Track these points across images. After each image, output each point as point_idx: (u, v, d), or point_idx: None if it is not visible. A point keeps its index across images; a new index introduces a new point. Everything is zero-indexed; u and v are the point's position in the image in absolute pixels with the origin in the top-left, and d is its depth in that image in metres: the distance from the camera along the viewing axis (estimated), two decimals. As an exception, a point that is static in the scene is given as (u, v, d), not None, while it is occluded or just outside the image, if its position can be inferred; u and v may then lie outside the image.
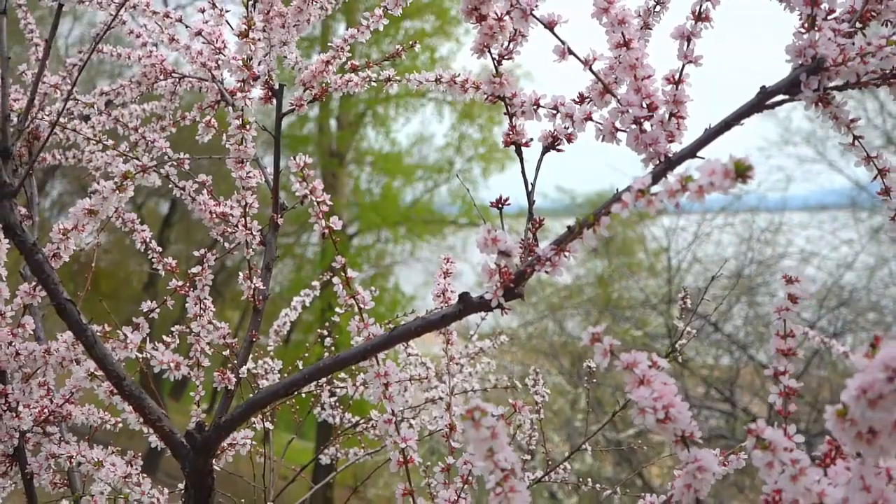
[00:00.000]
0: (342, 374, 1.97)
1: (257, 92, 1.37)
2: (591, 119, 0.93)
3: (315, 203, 0.97)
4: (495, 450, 0.65)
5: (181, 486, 1.55)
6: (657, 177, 0.81)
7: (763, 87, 0.80)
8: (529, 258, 0.84)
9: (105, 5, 1.32)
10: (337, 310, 1.93)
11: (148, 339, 1.19)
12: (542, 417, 1.83)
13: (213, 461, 1.03)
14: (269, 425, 1.63)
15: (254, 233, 1.27)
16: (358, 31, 1.35)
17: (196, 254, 1.24)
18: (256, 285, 1.26)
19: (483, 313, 1.92)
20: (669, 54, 0.88)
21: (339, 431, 1.91)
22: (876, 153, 0.83)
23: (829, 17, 0.80)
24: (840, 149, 0.87)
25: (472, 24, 0.93)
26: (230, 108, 1.35)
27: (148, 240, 1.39)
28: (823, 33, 0.78)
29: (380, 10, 1.33)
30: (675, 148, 0.85)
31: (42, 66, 1.10)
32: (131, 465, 1.16)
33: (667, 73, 0.87)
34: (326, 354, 1.97)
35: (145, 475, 1.21)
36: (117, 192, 1.08)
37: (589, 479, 1.96)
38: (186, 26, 1.37)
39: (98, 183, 1.08)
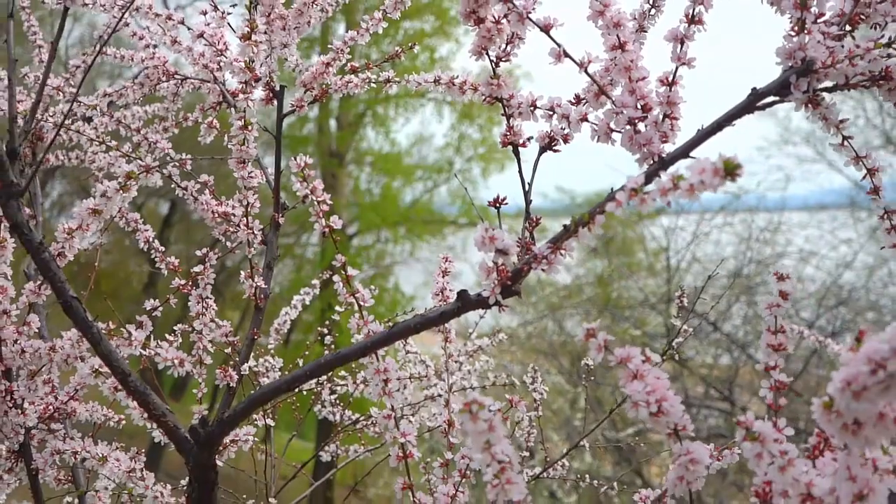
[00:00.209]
0: (342, 372, 1.99)
1: (259, 93, 1.39)
2: (586, 120, 0.94)
3: (315, 203, 0.99)
4: (492, 442, 0.67)
5: (183, 482, 1.57)
6: (650, 176, 0.83)
7: (754, 89, 0.81)
8: (526, 256, 0.86)
9: (108, 8, 1.34)
10: (337, 308, 1.95)
11: (151, 337, 1.20)
12: (541, 415, 1.84)
13: (216, 457, 1.04)
14: (270, 422, 1.65)
15: (255, 232, 1.29)
16: (358, 33, 1.37)
17: (198, 253, 1.26)
18: (258, 284, 1.28)
19: (482, 312, 1.94)
20: (664, 56, 0.90)
21: (339, 428, 1.93)
22: (865, 153, 0.85)
23: (818, 21, 0.82)
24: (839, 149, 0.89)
25: (471, 27, 0.95)
26: (232, 109, 1.37)
27: (151, 239, 1.41)
28: (813, 36, 0.80)
29: (379, 14, 1.35)
30: (669, 148, 0.87)
31: (48, 69, 1.12)
32: (135, 461, 1.17)
33: (661, 74, 0.88)
34: (326, 353, 1.98)
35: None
36: (121, 192, 1.10)
37: (587, 476, 1.98)
38: (189, 28, 1.39)
39: (101, 183, 1.10)
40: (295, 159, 1.02)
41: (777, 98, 0.81)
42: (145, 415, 1.24)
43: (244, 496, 1.82)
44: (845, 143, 0.85)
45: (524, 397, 1.96)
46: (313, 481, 1.96)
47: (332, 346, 2.08)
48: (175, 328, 1.31)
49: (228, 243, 1.35)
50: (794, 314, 7.41)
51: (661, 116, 0.87)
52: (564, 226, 0.82)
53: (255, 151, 1.22)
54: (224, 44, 1.35)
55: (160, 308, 1.27)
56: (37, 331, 1.22)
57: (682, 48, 0.87)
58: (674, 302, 1.96)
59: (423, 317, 0.91)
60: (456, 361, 1.79)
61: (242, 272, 1.30)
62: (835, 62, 0.78)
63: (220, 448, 1.32)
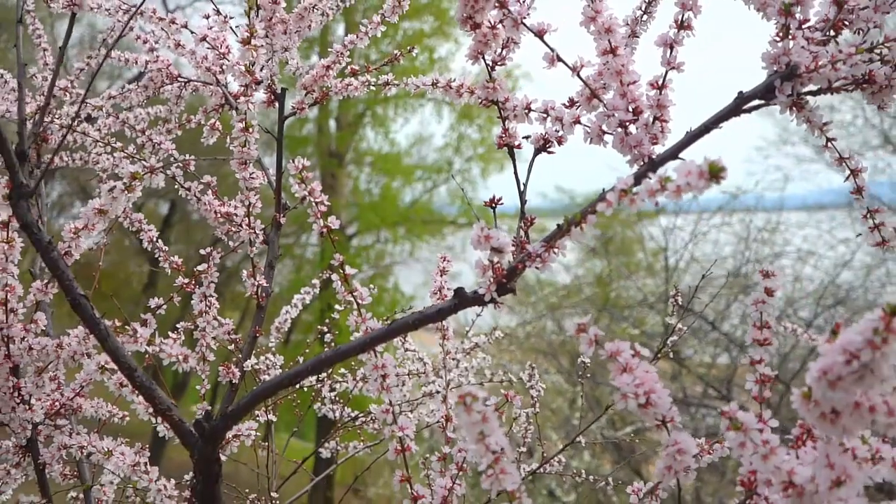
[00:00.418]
0: (342, 370, 2.02)
1: (260, 96, 1.42)
2: (579, 122, 0.97)
3: (314, 203, 1.02)
4: (486, 433, 0.70)
5: (187, 477, 1.59)
6: (640, 177, 0.85)
7: (740, 93, 0.84)
8: (521, 255, 0.89)
9: (113, 12, 1.37)
10: (336, 307, 1.98)
11: (156, 334, 1.23)
12: (537, 412, 1.87)
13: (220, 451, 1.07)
14: (272, 417, 1.68)
15: (257, 232, 1.32)
16: (357, 37, 1.40)
17: (202, 252, 1.29)
18: (260, 282, 1.31)
19: (479, 310, 1.96)
20: (655, 60, 0.93)
21: (338, 425, 1.96)
22: (848, 154, 0.87)
23: (803, 26, 0.84)
24: (839, 148, 0.91)
25: (467, 32, 0.97)
26: (234, 111, 1.40)
27: (154, 239, 1.44)
28: (797, 42, 0.82)
29: (378, 18, 1.38)
30: (660, 150, 0.90)
31: (56, 74, 1.15)
32: (140, 455, 1.20)
33: (651, 78, 0.91)
34: (326, 350, 2.01)
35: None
36: (126, 192, 1.13)
37: (583, 472, 2.01)
38: (192, 32, 1.42)
39: (106, 183, 1.13)
40: (294, 161, 1.04)
41: (762, 101, 0.84)
42: (150, 409, 1.26)
43: (246, 490, 1.85)
44: (829, 144, 0.87)
45: (522, 395, 1.98)
46: (314, 477, 1.99)
47: (332, 345, 2.10)
48: (178, 326, 1.34)
49: (231, 242, 1.37)
50: (792, 314, 7.44)
51: (651, 119, 0.90)
52: (558, 225, 0.84)
53: (257, 153, 1.25)
54: (226, 47, 1.38)
55: (164, 306, 1.30)
56: (43, 329, 1.25)
57: (671, 53, 0.90)
58: (669, 301, 1.99)
59: (420, 313, 0.93)
60: (453, 359, 1.82)
61: (245, 271, 1.32)
62: (818, 66, 0.81)
63: (224, 442, 1.35)
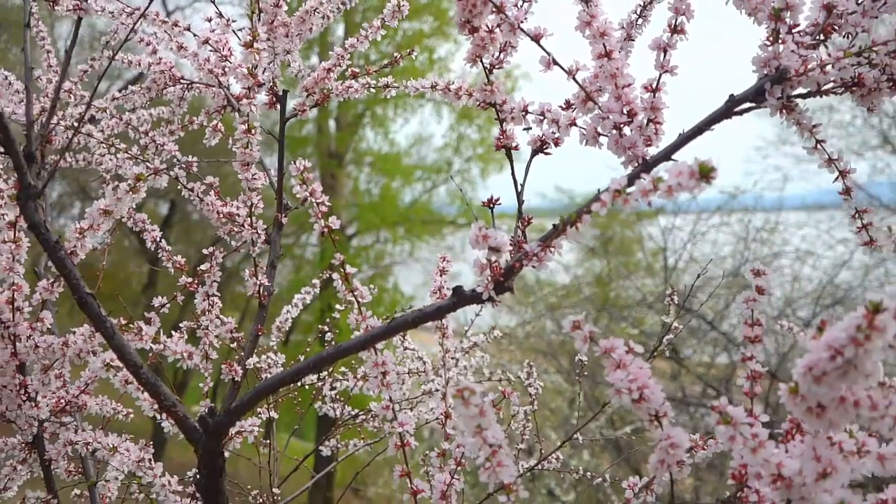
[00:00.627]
0: (343, 368, 2.04)
1: (262, 97, 1.44)
2: (575, 124, 0.99)
3: (314, 204, 1.04)
4: (483, 427, 0.72)
5: (189, 474, 1.62)
6: (633, 178, 0.87)
7: (731, 96, 0.86)
8: (518, 254, 0.91)
9: (116, 15, 1.38)
10: (337, 307, 2.00)
11: (160, 332, 1.25)
12: (535, 409, 1.89)
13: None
14: (273, 414, 1.70)
15: (259, 232, 1.34)
16: (357, 40, 1.42)
17: (205, 251, 1.31)
18: (262, 282, 1.33)
19: (478, 310, 1.98)
20: (650, 63, 0.95)
21: (339, 423, 1.98)
22: (837, 155, 0.89)
23: (793, 31, 0.87)
24: (838, 148, 0.93)
25: (465, 36, 0.99)
26: (236, 113, 1.42)
27: (158, 239, 1.46)
28: (787, 46, 0.84)
29: (378, 21, 1.40)
30: (654, 151, 0.92)
31: (62, 77, 1.17)
32: (144, 451, 1.22)
33: (645, 81, 0.93)
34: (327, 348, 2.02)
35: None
36: (131, 193, 1.15)
37: (580, 468, 2.03)
38: (194, 34, 1.44)
39: (109, 185, 1.15)
40: (295, 162, 1.06)
41: (753, 104, 0.86)
42: (156, 406, 1.28)
43: (248, 486, 1.87)
44: (819, 146, 0.89)
45: (520, 394, 2.01)
46: (315, 473, 2.01)
47: (332, 344, 2.13)
48: (180, 325, 1.36)
49: (233, 242, 1.39)
50: (790, 313, 7.46)
51: (645, 121, 0.92)
52: (554, 225, 0.86)
53: (259, 154, 1.27)
54: (228, 49, 1.40)
55: (167, 305, 1.32)
56: (49, 327, 1.27)
57: (665, 56, 0.92)
58: (666, 300, 2.01)
59: (420, 311, 0.95)
60: (452, 358, 1.84)
61: (247, 271, 1.34)
62: (807, 70, 0.83)
63: (227, 438, 1.37)
